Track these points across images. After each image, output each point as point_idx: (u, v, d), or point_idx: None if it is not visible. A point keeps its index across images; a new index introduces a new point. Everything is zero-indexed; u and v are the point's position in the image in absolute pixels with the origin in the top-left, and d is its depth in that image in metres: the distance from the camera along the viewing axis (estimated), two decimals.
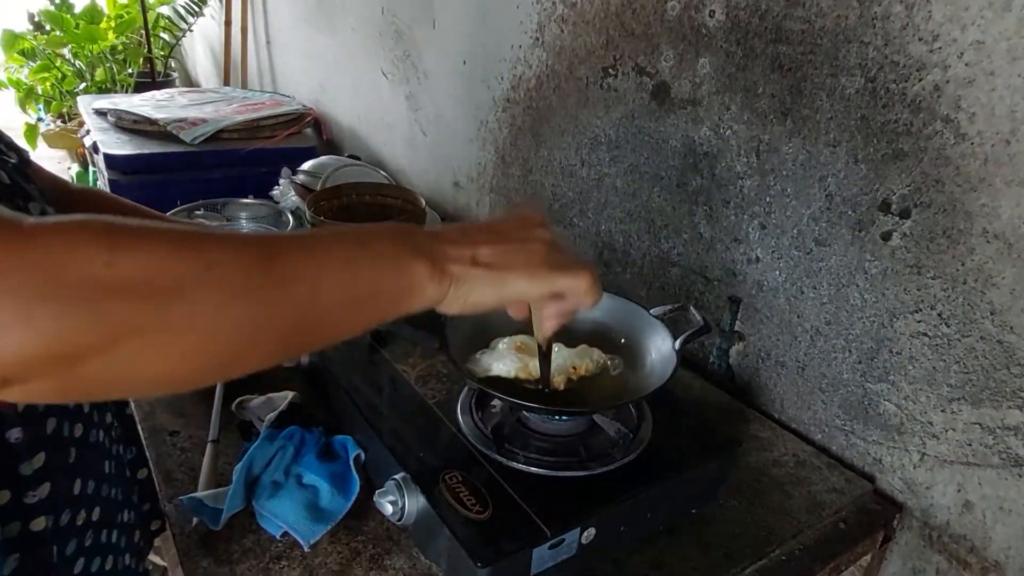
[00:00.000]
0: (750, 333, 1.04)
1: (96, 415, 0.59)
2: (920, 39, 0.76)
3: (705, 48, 1.00)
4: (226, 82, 2.97)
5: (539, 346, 0.63)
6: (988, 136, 0.73)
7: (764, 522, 0.81)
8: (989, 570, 0.82)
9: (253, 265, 0.38)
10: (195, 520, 0.75)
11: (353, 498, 0.77)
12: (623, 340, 0.81)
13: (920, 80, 0.77)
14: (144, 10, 3.19)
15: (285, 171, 1.82)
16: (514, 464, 0.71)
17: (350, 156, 1.91)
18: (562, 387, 0.72)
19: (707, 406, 1.02)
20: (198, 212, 1.60)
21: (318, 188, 1.51)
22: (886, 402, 0.88)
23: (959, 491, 0.83)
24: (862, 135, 0.83)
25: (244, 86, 2.87)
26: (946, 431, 0.83)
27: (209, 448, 0.85)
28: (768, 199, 0.96)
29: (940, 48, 0.75)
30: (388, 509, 0.70)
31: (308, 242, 0.43)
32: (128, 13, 3.46)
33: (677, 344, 0.76)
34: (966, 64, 0.73)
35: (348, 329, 0.45)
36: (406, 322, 0.73)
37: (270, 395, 0.88)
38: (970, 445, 0.81)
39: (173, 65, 3.82)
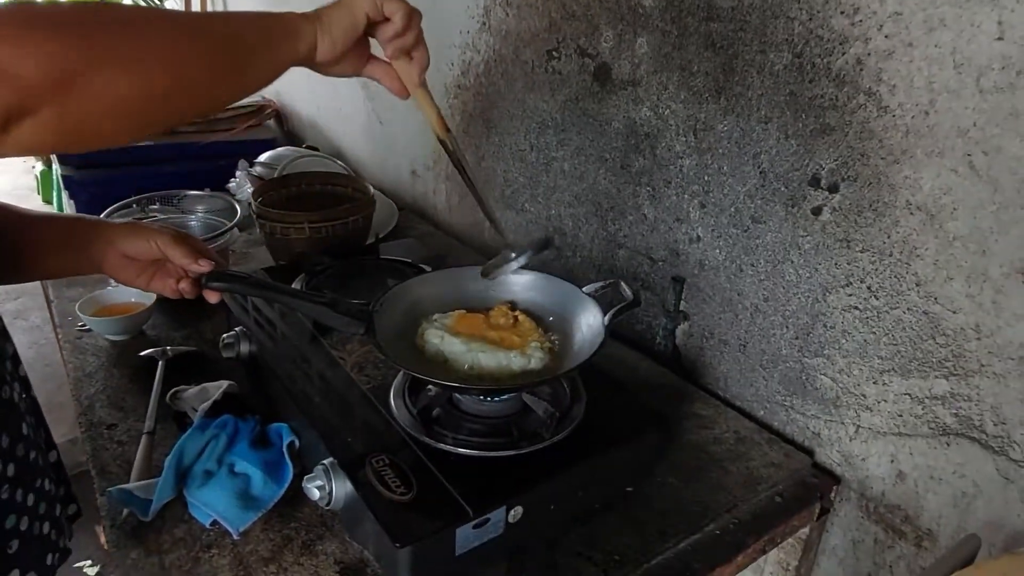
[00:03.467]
0: (694, 312, 1.04)
1: (9, 365, 0.59)
2: (842, 12, 0.76)
3: (642, 27, 0.99)
4: None
5: (420, 93, 0.73)
6: (908, 108, 0.73)
7: (700, 498, 0.81)
8: (923, 538, 0.83)
9: (173, 17, 0.58)
10: (125, 511, 0.74)
11: (286, 485, 0.76)
12: (551, 318, 0.81)
13: (843, 54, 0.77)
14: None
15: (242, 163, 1.80)
16: (442, 446, 0.71)
17: (308, 147, 1.89)
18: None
19: (652, 386, 1.02)
20: (153, 206, 1.58)
21: (273, 177, 1.49)
22: (822, 376, 0.89)
23: (892, 462, 0.84)
24: (791, 111, 0.84)
25: None
26: (879, 403, 0.83)
27: (144, 440, 0.84)
28: (706, 178, 0.97)
29: (861, 21, 0.75)
30: (316, 494, 0.69)
31: (208, 14, 0.61)
32: None
33: (606, 319, 0.76)
34: (886, 36, 0.73)
35: (262, 64, 0.61)
36: (332, 309, 0.73)
37: (205, 385, 0.88)
38: (901, 416, 0.82)
39: None
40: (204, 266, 0.74)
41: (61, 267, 0.82)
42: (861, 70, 0.76)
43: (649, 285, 1.10)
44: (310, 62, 0.66)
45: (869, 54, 0.75)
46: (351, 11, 0.65)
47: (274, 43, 0.62)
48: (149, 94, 0.51)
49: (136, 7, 0.57)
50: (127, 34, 0.50)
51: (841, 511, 0.91)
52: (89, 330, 1.10)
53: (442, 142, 0.74)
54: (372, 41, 0.71)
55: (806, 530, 0.88)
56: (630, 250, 1.12)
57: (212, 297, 0.76)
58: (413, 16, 0.68)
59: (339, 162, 1.70)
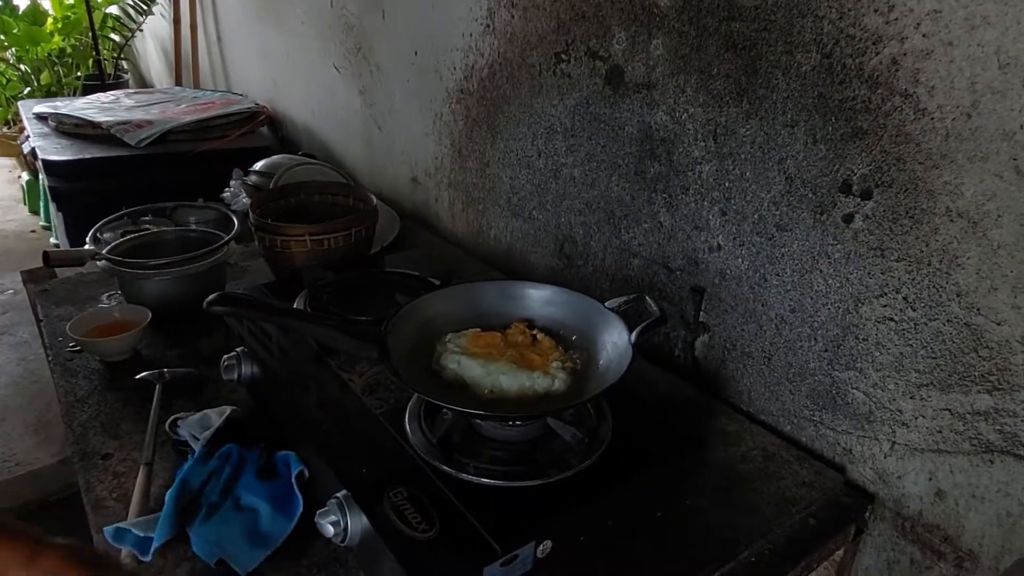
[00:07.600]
0: (715, 323, 1.01)
1: None
2: (875, 10, 0.73)
3: (657, 28, 0.96)
4: (178, 82, 2.88)
5: None
6: (948, 110, 0.69)
7: (732, 522, 0.77)
8: (964, 559, 0.79)
9: None
10: (123, 551, 0.69)
11: (296, 519, 0.72)
12: (574, 337, 0.77)
13: (877, 54, 0.73)
14: (89, 10, 3.07)
15: (236, 172, 1.75)
16: (464, 476, 0.67)
17: (304, 154, 1.85)
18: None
19: (673, 401, 0.98)
20: (145, 217, 1.53)
21: (271, 188, 1.44)
22: (854, 390, 0.85)
23: (931, 480, 0.80)
24: (820, 114, 0.80)
25: (196, 85, 2.78)
26: (916, 418, 0.80)
27: (142, 471, 0.79)
28: (727, 184, 0.93)
29: (896, 19, 0.71)
30: (329, 531, 0.65)
31: None
32: (74, 13, 3.33)
33: (633, 337, 0.72)
34: (923, 35, 0.69)
35: None
36: (341, 332, 0.68)
37: (206, 411, 0.83)
38: (940, 432, 0.78)
39: (125, 66, 3.70)
40: None
41: None
42: (896, 71, 0.72)
43: (666, 296, 1.06)
44: None
45: (905, 54, 0.71)
46: None
47: None
48: None
49: None
50: None
51: (875, 530, 0.87)
52: (80, 351, 1.05)
53: None
54: None
55: (840, 552, 0.85)
56: (645, 259, 1.08)
57: None
58: None
59: (337, 170, 1.66)
